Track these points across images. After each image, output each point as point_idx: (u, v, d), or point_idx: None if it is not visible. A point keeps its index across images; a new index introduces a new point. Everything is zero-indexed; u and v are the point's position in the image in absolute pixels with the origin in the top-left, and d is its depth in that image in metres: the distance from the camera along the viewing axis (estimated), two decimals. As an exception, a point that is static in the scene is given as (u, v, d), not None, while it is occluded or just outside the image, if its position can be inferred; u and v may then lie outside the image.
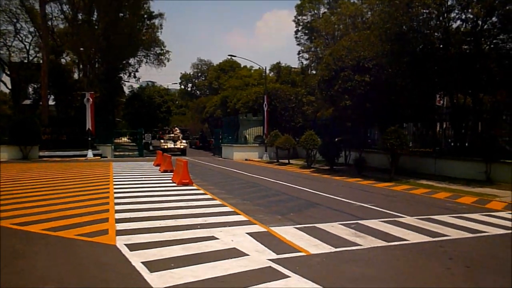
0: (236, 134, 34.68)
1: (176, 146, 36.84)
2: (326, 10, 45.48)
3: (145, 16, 44.12)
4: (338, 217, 9.18)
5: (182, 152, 36.38)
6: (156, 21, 46.07)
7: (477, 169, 16.17)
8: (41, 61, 35.57)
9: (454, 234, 7.77)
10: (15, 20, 38.94)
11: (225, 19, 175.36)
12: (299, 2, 46.72)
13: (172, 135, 39.04)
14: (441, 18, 18.02)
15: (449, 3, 17.65)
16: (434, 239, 7.36)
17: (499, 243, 7.38)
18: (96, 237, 7.02)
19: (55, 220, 8.21)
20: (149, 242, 6.72)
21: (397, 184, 15.64)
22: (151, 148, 41.26)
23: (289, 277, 5.23)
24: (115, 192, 12.15)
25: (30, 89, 45.44)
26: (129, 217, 8.67)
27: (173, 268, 5.43)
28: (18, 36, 40.09)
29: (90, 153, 28.57)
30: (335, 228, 8.02)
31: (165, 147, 35.51)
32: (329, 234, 7.54)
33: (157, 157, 23.70)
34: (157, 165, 21.95)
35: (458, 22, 18.33)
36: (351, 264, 5.87)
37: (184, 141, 39.96)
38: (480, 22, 17.40)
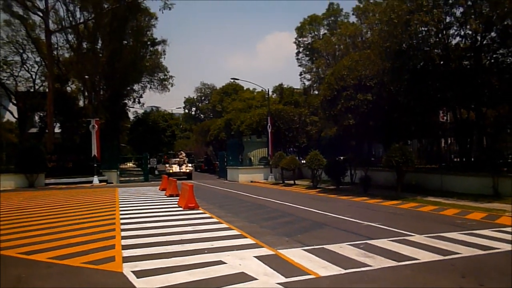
0: (241, 156, 34.67)
1: (181, 170, 36.23)
2: (326, 31, 46.21)
3: (148, 43, 45.01)
4: (346, 237, 9.08)
5: (188, 176, 35.76)
6: (159, 47, 47.02)
7: (484, 183, 16.01)
8: (46, 90, 36.20)
9: (465, 251, 7.64)
10: (21, 51, 39.88)
11: (226, 43, 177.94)
12: (299, 25, 47.49)
13: (178, 159, 38.51)
14: (440, 35, 18.21)
15: (447, 20, 17.88)
16: (445, 257, 7.24)
17: (511, 259, 7.23)
18: (103, 264, 6.97)
19: (61, 248, 8.18)
20: (156, 268, 6.65)
21: (404, 202, 15.49)
22: (156, 172, 41.26)
23: (299, 300, 5.15)
24: (121, 218, 12.11)
25: (36, 117, 46.01)
26: (135, 243, 8.62)
27: (181, 295, 5.36)
28: (24, 66, 40.96)
29: (95, 180, 28.64)
30: (344, 248, 7.92)
31: (171, 171, 35.05)
32: (338, 255, 7.44)
33: (163, 182, 23.70)
34: (163, 190, 21.93)
35: (457, 38, 18.53)
36: (361, 285, 5.78)
37: (190, 164, 39.33)
38: (479, 38, 17.56)
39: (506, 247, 8.02)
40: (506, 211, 12.60)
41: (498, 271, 6.47)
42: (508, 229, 9.89)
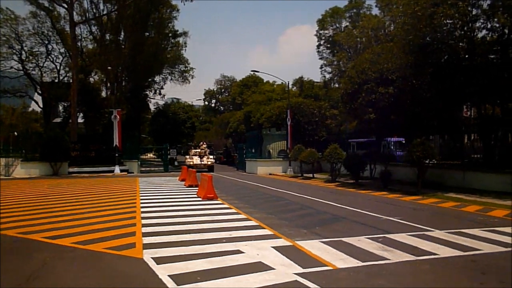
0: (260, 148, 34.76)
1: (202, 162, 33.96)
2: (348, 24, 45.61)
3: (170, 35, 45.34)
4: (364, 230, 9.05)
5: (210, 169, 33.40)
6: (181, 39, 47.32)
7: (508, 181, 15.64)
8: (71, 81, 36.96)
9: (487, 248, 7.52)
10: (46, 42, 40.73)
11: (247, 36, 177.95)
12: (320, 17, 47.00)
13: (199, 150, 36.09)
14: (465, 28, 17.76)
15: (473, 13, 17.42)
16: (465, 253, 7.14)
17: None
18: (124, 250, 7.14)
19: (84, 234, 8.41)
20: (175, 255, 6.79)
21: (425, 198, 15.29)
22: (176, 163, 41.76)
23: (316, 291, 5.18)
24: (142, 207, 12.35)
25: (60, 108, 47.12)
26: (155, 231, 8.79)
27: (199, 282, 5.47)
28: (49, 57, 41.84)
29: (117, 169, 29.21)
30: (362, 242, 7.89)
31: (191, 163, 32.83)
32: (355, 248, 7.43)
33: (182, 172, 23.98)
34: (182, 180, 22.20)
35: (484, 31, 18.05)
36: (379, 278, 5.76)
37: (211, 156, 36.82)
38: (506, 31, 17.07)
39: (529, 245, 7.85)
40: (530, 209, 12.30)
41: (520, 268, 6.35)
42: (532, 227, 9.68)
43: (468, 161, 19.36)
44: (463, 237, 8.43)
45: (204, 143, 38.49)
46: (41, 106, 42.68)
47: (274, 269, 6.09)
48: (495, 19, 16.86)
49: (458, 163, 19.78)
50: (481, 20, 17.65)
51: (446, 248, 7.46)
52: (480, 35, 18.16)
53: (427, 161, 16.47)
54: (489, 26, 17.60)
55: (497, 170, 16.91)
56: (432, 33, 17.36)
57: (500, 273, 6.07)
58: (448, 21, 17.16)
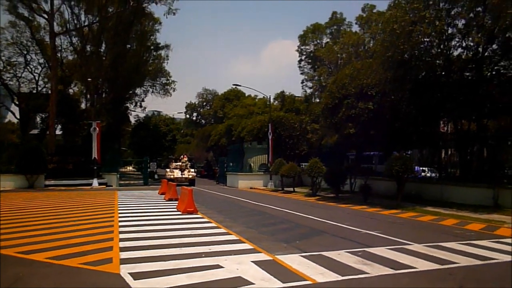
0: (241, 162, 34.66)
1: (183, 176, 32.89)
2: (328, 40, 46.41)
3: (152, 47, 45.21)
4: (344, 244, 9.07)
5: (191, 182, 32.32)
6: (163, 52, 47.26)
7: (484, 195, 16.01)
8: (49, 91, 36.33)
9: (464, 261, 7.63)
10: (25, 52, 40.11)
11: (230, 49, 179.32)
12: (302, 33, 47.68)
13: (180, 163, 34.84)
14: (442, 46, 18.33)
15: (449, 32, 17.99)
16: (443, 266, 7.23)
17: (510, 270, 7.22)
18: (100, 265, 6.96)
19: (60, 249, 8.17)
20: (153, 270, 6.65)
21: (404, 211, 15.48)
22: (156, 177, 41.20)
23: (295, 306, 5.14)
24: (120, 221, 12.10)
25: (38, 119, 46.15)
26: (133, 245, 8.61)
27: (178, 297, 5.36)
28: (28, 67, 41.18)
29: (95, 182, 28.63)
30: (342, 256, 7.91)
31: (172, 176, 31.64)
32: (335, 262, 7.43)
33: (162, 186, 23.67)
34: (162, 194, 21.91)
35: (459, 49, 18.69)
36: (359, 292, 5.77)
37: (193, 170, 35.69)
38: (480, 49, 17.67)
39: (504, 258, 8.01)
40: (505, 223, 12.59)
41: (496, 281, 6.46)
42: (508, 240, 9.89)
43: (446, 175, 19.75)
44: (441, 250, 8.54)
45: (185, 156, 37.62)
46: (18, 117, 41.76)
47: (253, 284, 6.03)
48: (470, 38, 17.45)
49: (435, 177, 20.15)
50: (457, 39, 18.26)
51: (425, 261, 7.54)
52: (456, 53, 18.78)
53: (405, 175, 16.72)
54: (464, 44, 18.23)
55: (473, 184, 17.29)
56: (410, 50, 17.81)
57: (477, 286, 6.15)
58: (425, 39, 17.68)
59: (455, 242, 9.43)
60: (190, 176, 33.28)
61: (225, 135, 44.98)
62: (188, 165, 35.02)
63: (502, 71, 17.69)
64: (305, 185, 28.39)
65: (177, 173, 33.05)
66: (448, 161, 23.60)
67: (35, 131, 44.99)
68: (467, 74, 18.48)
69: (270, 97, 35.69)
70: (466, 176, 18.62)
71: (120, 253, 7.88)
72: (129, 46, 41.67)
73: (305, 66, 48.73)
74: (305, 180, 28.81)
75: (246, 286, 5.89)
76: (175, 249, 8.29)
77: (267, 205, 17.81)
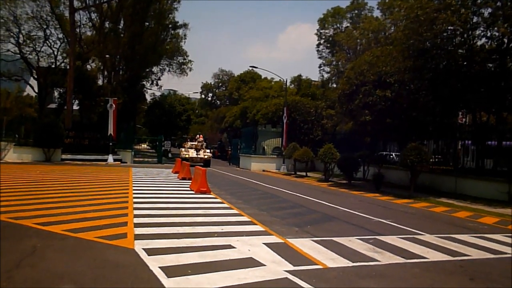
0: (255, 145, 34.76)
1: (199, 156, 31.78)
2: (348, 25, 45.59)
3: (170, 26, 45.09)
4: (355, 231, 9.11)
5: (206, 163, 31.02)
6: (180, 31, 47.13)
7: (499, 189, 15.79)
8: (67, 67, 36.58)
9: (475, 254, 7.60)
10: (45, 27, 40.24)
11: (248, 31, 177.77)
12: (322, 16, 46.95)
13: (195, 143, 33.75)
14: (465, 36, 17.85)
15: (474, 21, 17.50)
16: (454, 258, 7.22)
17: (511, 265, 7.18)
18: (115, 240, 7.12)
19: (76, 222, 8.38)
20: (167, 247, 6.78)
21: (416, 201, 15.40)
22: (170, 155, 41.64)
23: (306, 289, 5.21)
24: (134, 197, 12.32)
25: (56, 94, 46.65)
26: (147, 222, 8.78)
27: (190, 275, 5.46)
28: (47, 42, 41.36)
29: (110, 158, 29.06)
30: (353, 242, 7.94)
31: (187, 156, 30.75)
32: (346, 248, 7.48)
33: (176, 165, 23.94)
34: (176, 173, 22.17)
35: (483, 39, 18.16)
36: (369, 279, 5.81)
37: (208, 150, 34.37)
38: (505, 40, 17.17)
39: (517, 253, 7.95)
40: (519, 218, 12.43)
41: (507, 276, 6.43)
42: (521, 235, 9.79)
43: (461, 168, 19.51)
44: (453, 242, 8.51)
45: (201, 135, 36.17)
46: (36, 91, 42.28)
47: (265, 265, 6.11)
48: (495, 28, 16.96)
49: (451, 169, 19.93)
50: (481, 28, 17.75)
51: (436, 252, 7.53)
52: (479, 43, 18.27)
53: (420, 166, 16.58)
54: (488, 34, 17.71)
55: (488, 177, 17.07)
56: (433, 38, 17.41)
57: (487, 279, 6.14)
58: (449, 27, 17.22)
59: (468, 235, 9.38)
60: (206, 157, 32.22)
61: (240, 117, 45.05)
62: (204, 145, 33.89)
63: (526, 63, 17.22)
64: (318, 170, 28.40)
65: (192, 153, 32.13)
66: (464, 154, 23.27)
67: (52, 106, 45.54)
68: (490, 65, 18.00)
69: (286, 81, 35.56)
70: (481, 170, 18.36)
71: (135, 229, 8.04)
72: (147, 24, 41.67)
73: (323, 51, 48.13)
74: (317, 166, 28.81)
75: (257, 267, 5.97)
76: (188, 228, 8.43)
77: (279, 188, 17.90)
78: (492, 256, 7.58)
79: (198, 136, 35.55)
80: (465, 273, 6.37)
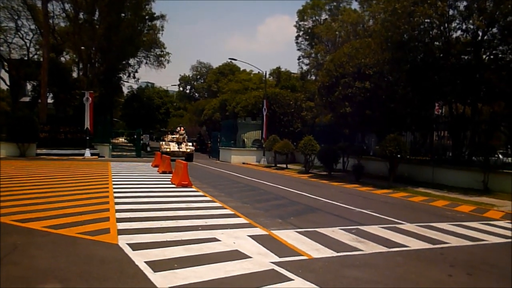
0: (235, 137, 34.69)
1: (181, 150, 29.85)
2: (327, 17, 45.76)
3: (147, 17, 44.29)
4: (338, 222, 9.22)
5: (188, 157, 29.18)
6: (158, 23, 46.37)
7: (474, 178, 16.25)
8: (41, 59, 35.55)
9: (454, 241, 7.83)
10: (16, 17, 39.01)
11: (226, 23, 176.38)
12: (301, 8, 46.96)
13: (176, 135, 31.52)
14: (442, 28, 18.19)
15: (450, 13, 17.82)
16: (434, 246, 7.41)
17: (499, 251, 7.42)
18: (98, 235, 7.01)
19: (56, 218, 8.19)
20: (151, 242, 6.72)
21: (395, 191, 15.71)
22: (148, 149, 41.13)
23: (292, 280, 5.25)
24: (115, 192, 12.13)
25: (29, 87, 45.38)
26: (129, 217, 8.66)
27: (177, 269, 5.43)
28: (19, 33, 40.20)
29: (87, 152, 28.49)
30: (336, 233, 8.05)
31: (168, 150, 28.79)
32: (330, 238, 7.57)
33: (156, 158, 23.66)
34: (155, 166, 21.92)
35: (459, 32, 18.53)
36: (353, 268, 5.90)
37: (190, 144, 32.30)
38: (480, 33, 17.57)
39: (493, 239, 8.23)
40: (494, 206, 12.86)
41: (486, 262, 6.63)
42: (497, 222, 10.13)
43: (438, 158, 19.96)
44: (432, 230, 8.73)
45: (182, 127, 33.36)
46: (8, 84, 41.00)
47: (251, 257, 6.13)
48: (471, 21, 17.32)
49: (428, 159, 20.38)
50: (457, 21, 18.09)
51: (417, 240, 7.72)
52: (455, 35, 18.63)
53: (399, 156, 16.90)
54: (464, 27, 18.06)
55: (464, 167, 17.54)
56: (410, 31, 17.66)
57: (467, 265, 6.32)
58: (426, 20, 17.50)
59: (446, 223, 9.64)
60: (188, 150, 30.33)
61: (219, 110, 44.75)
62: (185, 138, 31.91)
63: (500, 55, 17.65)
64: (298, 162, 28.60)
65: (173, 146, 30.07)
66: (440, 144, 23.81)
67: (26, 99, 44.30)
68: (465, 57, 18.40)
69: (265, 73, 35.55)
70: (458, 160, 18.84)
71: (117, 223, 7.93)
72: (123, 15, 40.79)
73: (302, 43, 48.22)
74: (298, 157, 29.00)
75: (243, 260, 5.99)
76: (172, 222, 8.36)
77: (261, 181, 17.94)
78: (470, 243, 7.82)
79: (179, 128, 33.10)
80: (445, 260, 6.55)
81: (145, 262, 5.64)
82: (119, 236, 6.98)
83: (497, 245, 7.88)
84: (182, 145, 30.53)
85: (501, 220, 10.52)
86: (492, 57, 17.89)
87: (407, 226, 9.04)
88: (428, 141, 23.14)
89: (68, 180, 14.84)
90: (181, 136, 31.28)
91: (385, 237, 7.88)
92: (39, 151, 27.49)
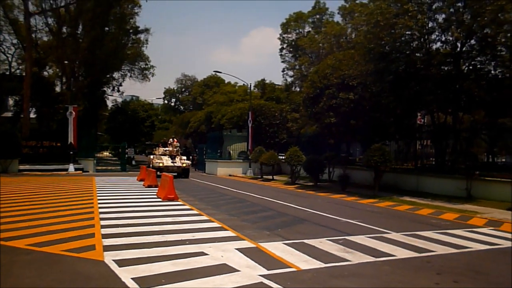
0: (220, 149, 34.64)
1: (175, 164, 26.18)
2: (311, 29, 46.34)
3: (131, 31, 44.17)
4: (325, 233, 9.26)
5: (184, 172, 26.58)
6: (142, 36, 46.24)
7: (457, 186, 16.52)
8: (23, 73, 35.12)
9: (440, 249, 7.92)
10: (-3, 32, 38.44)
11: (211, 35, 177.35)
12: (284, 21, 47.50)
13: (170, 148, 27.74)
14: (422, 40, 18.63)
15: (430, 25, 18.27)
16: (421, 254, 7.49)
17: (484, 259, 7.53)
18: (83, 252, 6.89)
19: (40, 236, 8.04)
20: (138, 258, 6.63)
21: (381, 201, 15.84)
22: (133, 163, 40.74)
23: (281, 292, 5.24)
24: (100, 207, 11.96)
25: (11, 101, 44.60)
26: (115, 232, 8.55)
27: (164, 284, 5.38)
28: (0, 47, 39.57)
29: (71, 167, 28.08)
30: (324, 244, 8.07)
31: (160, 165, 25.26)
32: (318, 249, 7.59)
33: (141, 172, 23.42)
34: (141, 180, 21.71)
35: (439, 43, 19.00)
36: (342, 279, 5.92)
37: (185, 157, 28.67)
38: (459, 44, 18.03)
39: (478, 246, 8.35)
40: (477, 213, 13.08)
41: (471, 269, 6.73)
42: (480, 229, 10.29)
43: (421, 166, 20.27)
44: (418, 239, 8.82)
45: (175, 140, 29.23)
46: (-11, 99, 40.28)
47: (239, 271, 6.10)
48: (449, 33, 17.78)
49: (411, 168, 20.67)
50: (437, 33, 18.55)
51: (403, 249, 7.79)
52: (435, 47, 19.09)
53: (384, 166, 17.09)
54: (443, 38, 18.54)
55: (447, 175, 17.83)
56: (392, 42, 18.05)
57: (454, 273, 6.40)
58: (407, 32, 17.90)
59: (432, 231, 9.75)
60: (184, 165, 26.52)
61: (205, 122, 44.72)
62: (179, 151, 28.40)
63: (479, 66, 18.12)
64: (284, 173, 28.65)
65: (166, 161, 26.22)
66: (423, 153, 24.21)
67: (8, 114, 43.50)
68: (445, 68, 18.85)
69: (250, 85, 35.68)
70: (441, 168, 19.15)
71: (103, 240, 7.81)
72: (107, 28, 40.59)
73: (286, 55, 48.58)
74: (284, 168, 29.06)
75: (231, 273, 5.96)
76: (158, 236, 8.28)
77: (247, 192, 17.91)
78: (456, 250, 7.93)
79: (172, 140, 28.86)
80: (432, 268, 6.62)
81: (132, 278, 5.57)
82: (105, 253, 6.88)
83: (482, 252, 8.00)
84: (177, 159, 26.92)
85: (485, 227, 10.70)
86: (471, 67, 18.34)
87: (393, 235, 9.12)
88: (411, 149, 23.52)
89: (51, 196, 14.59)
90: (175, 149, 27.61)
91: (372, 246, 7.94)
92: (21, 167, 26.98)
